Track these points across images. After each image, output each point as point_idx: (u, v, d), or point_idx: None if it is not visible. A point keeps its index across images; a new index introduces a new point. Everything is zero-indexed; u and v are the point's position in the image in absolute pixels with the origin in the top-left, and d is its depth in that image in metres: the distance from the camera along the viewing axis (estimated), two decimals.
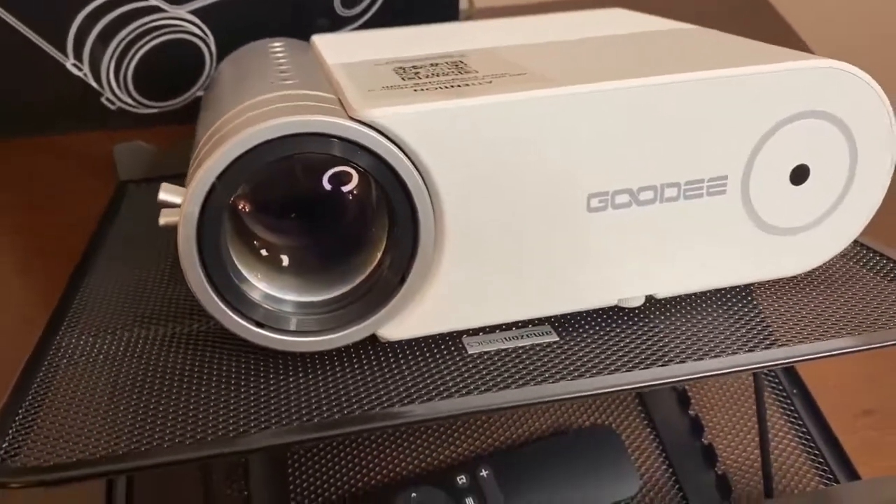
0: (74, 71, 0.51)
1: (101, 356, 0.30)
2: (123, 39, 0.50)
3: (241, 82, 0.33)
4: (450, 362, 0.29)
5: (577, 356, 0.28)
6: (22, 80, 0.51)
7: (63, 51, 0.50)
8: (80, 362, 0.30)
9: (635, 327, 0.30)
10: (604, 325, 0.30)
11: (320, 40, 0.39)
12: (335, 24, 0.52)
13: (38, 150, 0.53)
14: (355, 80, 0.30)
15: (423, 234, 0.27)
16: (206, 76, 0.53)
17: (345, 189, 0.29)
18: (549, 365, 0.28)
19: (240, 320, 0.27)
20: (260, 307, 0.28)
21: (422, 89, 0.28)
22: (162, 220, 0.27)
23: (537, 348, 0.29)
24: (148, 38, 0.50)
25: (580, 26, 0.38)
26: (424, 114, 0.26)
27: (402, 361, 0.29)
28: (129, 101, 0.53)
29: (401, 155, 0.26)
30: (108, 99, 0.53)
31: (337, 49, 0.36)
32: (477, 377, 0.28)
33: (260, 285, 0.28)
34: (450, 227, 0.27)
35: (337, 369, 0.29)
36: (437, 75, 0.30)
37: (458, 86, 0.28)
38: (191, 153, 0.37)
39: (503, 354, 0.29)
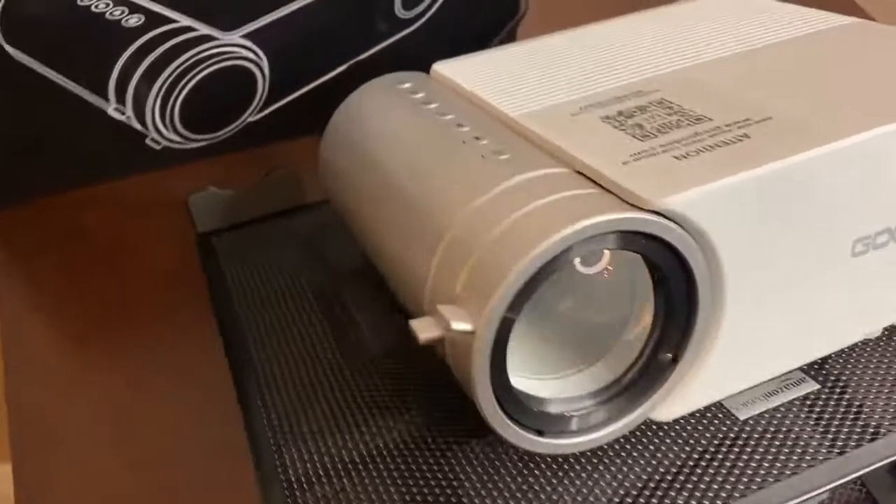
0: (117, 116, 0.46)
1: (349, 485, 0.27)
2: (171, 74, 0.45)
3: (427, 154, 0.29)
4: (729, 433, 0.27)
5: (854, 405, 0.28)
6: (59, 133, 0.46)
7: (104, 95, 0.45)
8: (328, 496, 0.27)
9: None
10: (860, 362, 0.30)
11: (451, 73, 0.35)
12: (394, 27, 0.48)
13: (87, 204, 0.48)
14: (584, 146, 0.27)
15: (702, 310, 0.26)
16: (258, 100, 0.48)
17: (596, 268, 0.27)
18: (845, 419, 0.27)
19: (524, 433, 0.25)
20: (538, 415, 0.25)
21: (682, 156, 0.25)
22: (423, 337, 0.24)
23: (807, 400, 0.28)
24: (196, 69, 0.45)
25: (730, 27, 0.36)
26: (715, 193, 0.24)
27: (679, 441, 0.27)
28: (176, 138, 0.48)
29: (687, 236, 0.24)
30: (153, 139, 0.47)
31: (490, 88, 0.33)
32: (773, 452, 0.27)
33: (534, 392, 0.26)
34: (728, 297, 0.26)
35: (616, 460, 0.27)
36: (670, 129, 0.27)
37: (714, 146, 0.26)
38: (347, 220, 0.34)
39: (777, 414, 0.28)
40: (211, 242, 0.44)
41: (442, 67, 0.36)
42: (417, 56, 0.50)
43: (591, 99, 0.30)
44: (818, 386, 0.29)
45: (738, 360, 0.27)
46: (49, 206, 0.48)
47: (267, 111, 0.49)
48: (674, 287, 0.25)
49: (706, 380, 0.27)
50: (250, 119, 0.49)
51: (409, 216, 0.28)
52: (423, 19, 0.49)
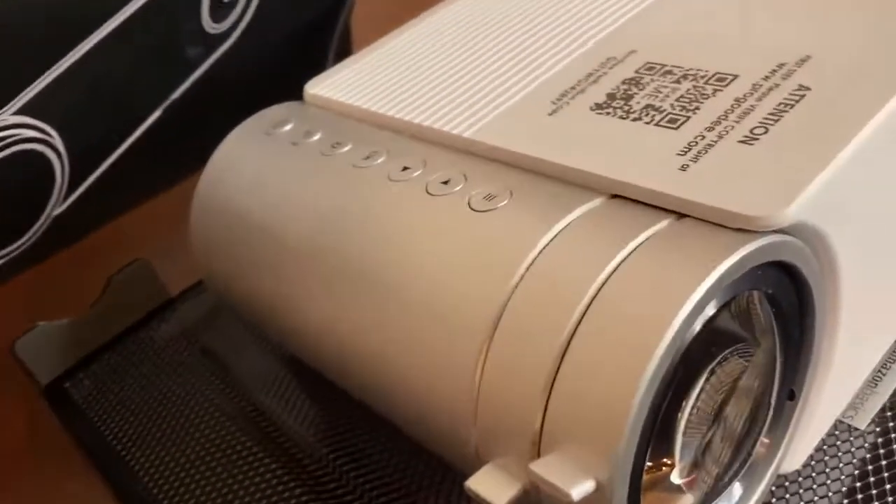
0: None
1: None
2: None
3: (390, 221, 0.21)
4: (865, 453, 0.22)
5: None
6: None
7: None
8: None
9: None
10: None
11: (337, 94, 0.27)
12: (207, 48, 0.38)
13: None
14: (603, 157, 0.20)
15: (818, 334, 0.20)
16: (60, 186, 0.37)
17: None
18: None
19: None
20: None
21: (747, 139, 0.19)
22: (504, 501, 0.17)
23: None
24: None
25: None
26: (830, 183, 0.17)
27: (824, 479, 0.22)
28: None
29: (805, 248, 0.18)
30: None
31: (407, 106, 0.24)
32: None
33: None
34: (844, 302, 0.20)
35: None
36: (697, 101, 0.20)
37: (777, 114, 0.19)
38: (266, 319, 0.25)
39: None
40: (65, 391, 0.33)
41: (319, 89, 0.27)
42: (244, 77, 0.40)
43: (555, 87, 0.23)
44: None
45: (851, 369, 0.22)
46: None
47: (75, 195, 0.38)
48: (788, 313, 0.19)
49: (823, 411, 0.21)
50: (56, 211, 0.38)
51: (397, 316, 0.20)
52: (240, 30, 0.39)
